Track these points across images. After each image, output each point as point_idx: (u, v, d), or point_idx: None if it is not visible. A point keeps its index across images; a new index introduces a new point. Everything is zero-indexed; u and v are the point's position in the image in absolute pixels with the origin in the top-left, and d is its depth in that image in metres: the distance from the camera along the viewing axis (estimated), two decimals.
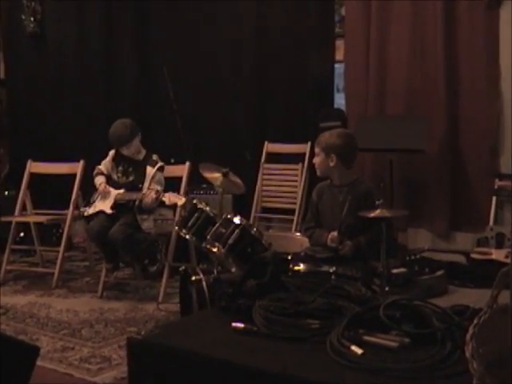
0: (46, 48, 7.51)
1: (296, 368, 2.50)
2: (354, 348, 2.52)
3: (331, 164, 4.15)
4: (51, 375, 3.82)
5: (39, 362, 3.47)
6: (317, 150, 4.24)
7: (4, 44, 7.66)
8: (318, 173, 4.32)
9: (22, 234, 6.50)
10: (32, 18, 7.38)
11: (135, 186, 5.35)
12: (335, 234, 4.00)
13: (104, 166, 5.53)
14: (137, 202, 5.20)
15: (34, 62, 7.51)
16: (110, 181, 5.46)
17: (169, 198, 4.99)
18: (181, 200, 4.95)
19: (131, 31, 7.17)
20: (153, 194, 5.06)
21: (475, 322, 2.17)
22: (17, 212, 6.00)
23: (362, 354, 2.49)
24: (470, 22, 5.56)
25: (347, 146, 4.19)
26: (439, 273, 4.82)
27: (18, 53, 7.63)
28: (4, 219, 5.94)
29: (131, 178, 5.43)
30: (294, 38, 6.38)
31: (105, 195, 5.34)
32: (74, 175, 5.87)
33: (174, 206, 5.24)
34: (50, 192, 6.28)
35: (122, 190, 5.33)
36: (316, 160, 4.26)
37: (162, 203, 5.11)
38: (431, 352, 2.49)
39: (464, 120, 5.69)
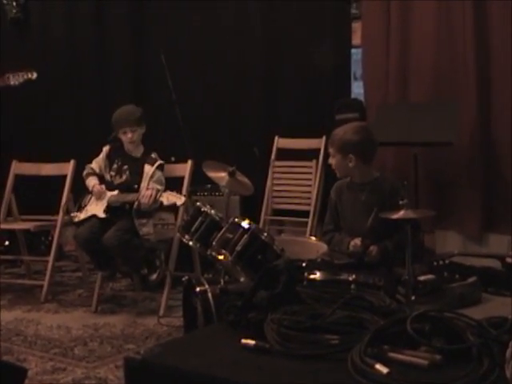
0: (31, 35, 7.53)
1: None
2: (378, 366, 2.50)
3: (350, 164, 4.14)
4: None
5: None
6: (331, 150, 4.22)
7: None
8: (338, 174, 4.31)
9: (6, 243, 6.52)
10: (14, 3, 7.39)
11: (131, 187, 5.34)
12: (358, 242, 3.98)
13: (96, 163, 5.52)
14: (135, 205, 5.18)
15: (16, 51, 7.51)
16: (102, 182, 5.44)
17: (167, 197, 4.97)
18: (180, 199, 4.94)
19: (125, 15, 7.19)
20: (150, 193, 5.04)
21: None
22: (1, 218, 6.00)
23: (388, 374, 2.46)
24: (500, 5, 5.53)
25: (365, 142, 4.18)
26: (471, 280, 4.79)
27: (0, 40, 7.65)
28: None
29: (126, 178, 5.41)
30: (305, 22, 6.38)
31: (99, 197, 5.33)
32: (64, 176, 5.89)
33: (174, 208, 5.24)
34: (38, 195, 6.28)
35: (115, 192, 5.32)
36: (332, 161, 4.25)
37: (161, 205, 5.10)
38: (466, 370, 2.46)
39: (497, 109, 5.66)
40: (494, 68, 5.65)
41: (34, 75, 5.43)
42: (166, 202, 5.01)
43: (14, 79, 5.33)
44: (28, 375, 3.52)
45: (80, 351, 4.54)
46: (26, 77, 5.42)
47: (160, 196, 5.02)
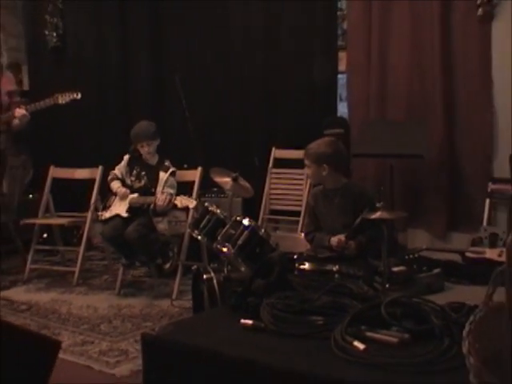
0: (67, 60, 7.52)
1: (301, 363, 2.49)
2: (356, 343, 2.51)
3: (324, 173, 4.12)
4: (72, 367, 3.83)
5: (61, 355, 3.46)
6: (307, 162, 4.18)
7: (28, 58, 7.67)
8: (312, 182, 4.33)
9: (45, 235, 6.50)
10: (54, 33, 7.38)
11: (148, 190, 5.32)
12: (342, 238, 3.98)
13: (118, 170, 5.52)
14: (151, 206, 5.18)
15: (55, 74, 7.52)
16: (123, 185, 5.45)
17: (180, 201, 4.98)
18: (192, 203, 4.95)
19: (146, 44, 7.18)
20: (165, 198, 5.05)
21: (471, 318, 2.16)
22: (40, 215, 6.01)
23: (365, 350, 2.48)
24: (464, 35, 5.55)
25: (337, 154, 4.15)
26: (436, 271, 4.81)
27: (41, 66, 7.64)
28: (28, 221, 5.96)
29: (144, 183, 5.41)
30: (299, 51, 6.36)
31: (123, 197, 5.33)
32: (93, 180, 5.87)
33: (186, 209, 5.24)
34: (71, 196, 6.27)
35: (136, 195, 5.32)
36: (308, 171, 4.24)
37: (175, 206, 5.10)
38: (430, 347, 2.47)
39: (460, 128, 5.67)
40: (458, 93, 5.64)
41: (79, 95, 5.44)
42: (179, 205, 5.01)
43: (62, 99, 5.34)
44: (62, 347, 3.53)
45: (105, 327, 4.55)
46: (71, 97, 5.43)
47: (174, 199, 5.02)
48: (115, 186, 5.43)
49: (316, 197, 4.32)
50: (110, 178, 5.51)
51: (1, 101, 5.27)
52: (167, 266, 5.72)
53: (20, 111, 5.16)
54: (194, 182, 5.49)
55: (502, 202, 5.38)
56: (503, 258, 2.07)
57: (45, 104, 5.39)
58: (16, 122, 5.53)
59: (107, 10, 7.26)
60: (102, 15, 7.30)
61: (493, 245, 5.11)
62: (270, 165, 6.35)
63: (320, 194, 4.28)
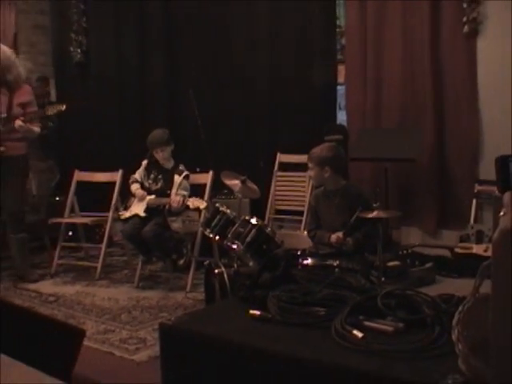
0: (90, 74, 7.54)
1: (304, 350, 2.49)
2: (355, 332, 2.51)
3: (326, 175, 4.15)
4: (95, 354, 3.84)
5: (85, 343, 3.47)
6: (310, 164, 4.23)
7: (55, 72, 7.69)
8: (314, 183, 4.35)
9: (70, 233, 6.51)
10: (79, 50, 7.42)
11: (164, 192, 5.34)
12: (340, 235, 3.99)
13: (138, 174, 5.54)
14: (166, 206, 5.19)
15: (79, 86, 7.54)
16: (142, 188, 5.46)
17: (192, 202, 4.99)
18: (202, 204, 4.95)
19: (161, 58, 7.18)
20: (179, 199, 5.06)
21: (460, 309, 2.15)
22: (66, 214, 6.02)
23: (362, 337, 2.48)
24: (452, 50, 5.54)
25: (337, 157, 4.21)
26: (428, 265, 4.79)
27: (67, 79, 7.66)
28: (55, 221, 5.98)
29: (160, 185, 5.42)
30: (302, 65, 6.36)
31: (141, 199, 5.35)
32: (114, 183, 5.88)
33: (198, 209, 5.24)
34: (94, 197, 6.28)
35: (153, 196, 5.33)
36: (311, 173, 4.28)
37: (188, 207, 5.11)
38: (422, 335, 2.47)
39: (448, 133, 5.66)
40: (447, 102, 5.64)
41: (64, 107, 5.31)
42: (191, 206, 5.02)
43: (51, 110, 5.27)
44: (86, 335, 3.54)
45: (125, 317, 4.56)
46: (58, 108, 5.27)
47: (187, 201, 5.03)
48: (134, 188, 5.45)
49: (317, 197, 4.34)
50: (130, 181, 5.54)
51: (11, 112, 5.21)
52: (181, 261, 5.73)
53: (18, 122, 5.12)
54: (205, 185, 5.50)
55: (488, 201, 5.37)
56: (489, 253, 2.06)
57: (38, 115, 5.32)
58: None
59: (126, 28, 7.28)
60: (122, 34, 7.31)
61: (479, 241, 5.10)
62: (275, 168, 6.35)
63: (321, 195, 4.30)
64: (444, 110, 5.66)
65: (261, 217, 5.19)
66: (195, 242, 5.35)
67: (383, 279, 3.65)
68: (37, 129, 5.32)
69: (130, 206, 5.43)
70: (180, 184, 5.30)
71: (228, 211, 4.24)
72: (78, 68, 7.52)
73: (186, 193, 5.23)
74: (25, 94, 5.31)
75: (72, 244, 6.40)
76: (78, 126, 7.43)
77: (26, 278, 5.55)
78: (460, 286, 3.35)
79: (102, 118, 7.43)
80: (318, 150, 4.21)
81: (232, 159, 6.56)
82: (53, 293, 5.23)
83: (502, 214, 1.94)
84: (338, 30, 6.45)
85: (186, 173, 5.39)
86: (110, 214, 5.82)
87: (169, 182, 5.36)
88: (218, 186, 5.61)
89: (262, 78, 6.63)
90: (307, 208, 5.99)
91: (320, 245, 4.13)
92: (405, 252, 4.94)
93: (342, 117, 6.44)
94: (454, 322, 2.14)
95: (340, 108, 6.56)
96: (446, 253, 5.17)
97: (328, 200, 4.24)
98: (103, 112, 7.41)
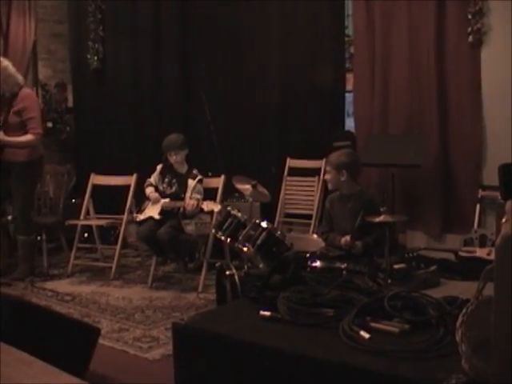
0: (106, 81, 7.57)
1: (313, 349, 2.50)
2: (362, 333, 2.53)
3: (342, 178, 4.21)
4: (110, 352, 3.87)
5: (100, 341, 3.52)
6: (328, 168, 4.31)
7: (73, 78, 7.75)
8: (330, 187, 4.38)
9: (86, 235, 6.55)
10: (95, 57, 7.44)
11: (178, 196, 5.35)
12: (348, 238, 4.02)
13: (153, 178, 5.57)
14: (181, 210, 5.21)
15: (96, 92, 7.58)
16: (157, 191, 5.49)
17: (207, 205, 4.99)
18: (217, 207, 4.96)
19: (175, 67, 7.19)
20: (193, 202, 5.08)
21: (464, 311, 2.17)
22: (82, 217, 6.04)
23: (369, 338, 2.49)
24: (457, 59, 5.55)
25: (354, 162, 4.29)
26: (433, 268, 4.79)
27: (84, 85, 7.70)
28: (72, 222, 6.00)
29: (175, 189, 5.45)
30: (312, 73, 6.36)
31: (155, 202, 5.37)
32: (129, 186, 5.90)
33: (211, 212, 5.25)
34: (109, 200, 6.31)
35: (167, 199, 5.35)
36: (328, 176, 4.32)
37: (201, 210, 5.12)
38: (427, 336, 2.49)
39: (453, 140, 5.66)
40: (451, 109, 5.64)
41: (50, 124, 5.23)
42: (206, 209, 5.02)
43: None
44: (101, 333, 3.57)
45: (139, 316, 4.58)
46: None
47: (201, 204, 5.04)
48: (148, 191, 5.48)
49: (332, 201, 4.40)
50: (145, 184, 5.56)
51: (6, 120, 5.25)
52: (192, 264, 5.75)
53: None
54: (217, 189, 5.51)
55: (491, 206, 5.37)
56: (492, 257, 2.08)
57: (35, 121, 5.36)
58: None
59: (142, 37, 7.30)
60: (137, 42, 7.34)
61: (482, 245, 5.10)
62: (285, 173, 6.36)
63: (336, 199, 4.38)
64: (449, 117, 5.66)
65: (271, 220, 5.21)
66: (207, 244, 5.36)
67: (389, 281, 3.65)
68: (30, 137, 5.33)
69: (144, 209, 5.45)
70: (194, 188, 5.33)
71: (239, 214, 4.23)
72: (94, 74, 7.56)
73: (200, 196, 5.25)
74: (21, 102, 5.33)
75: (87, 245, 6.43)
76: (95, 131, 7.49)
77: (15, 274, 5.55)
78: (464, 289, 3.37)
79: (117, 123, 7.47)
80: (336, 155, 4.31)
81: (243, 164, 6.59)
82: (69, 292, 5.25)
83: (503, 220, 1.95)
84: (346, 39, 6.48)
85: (199, 177, 5.42)
86: (125, 217, 5.85)
87: (183, 186, 5.39)
88: (230, 190, 5.62)
89: (273, 86, 6.64)
90: (316, 211, 6.02)
91: (331, 247, 4.17)
92: (410, 255, 4.94)
93: (350, 123, 6.44)
94: (458, 323, 2.15)
95: (348, 115, 6.58)
96: (451, 256, 5.17)
97: (342, 204, 4.29)
98: (119, 117, 7.45)
